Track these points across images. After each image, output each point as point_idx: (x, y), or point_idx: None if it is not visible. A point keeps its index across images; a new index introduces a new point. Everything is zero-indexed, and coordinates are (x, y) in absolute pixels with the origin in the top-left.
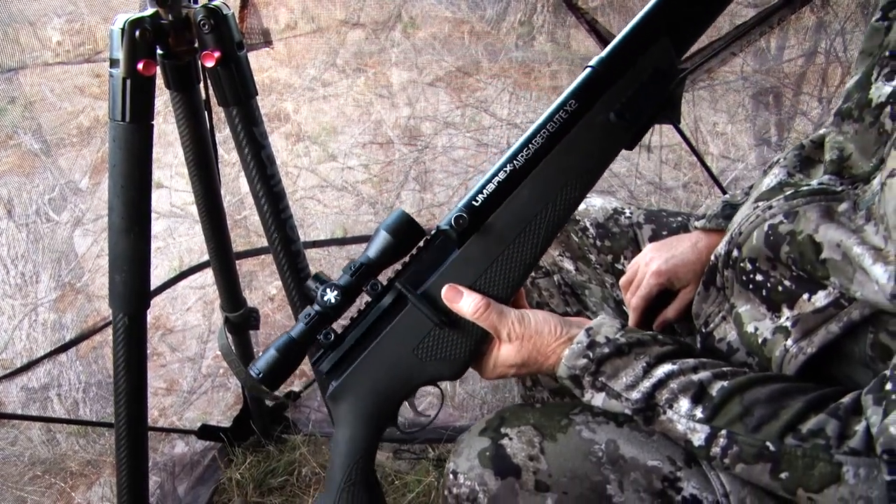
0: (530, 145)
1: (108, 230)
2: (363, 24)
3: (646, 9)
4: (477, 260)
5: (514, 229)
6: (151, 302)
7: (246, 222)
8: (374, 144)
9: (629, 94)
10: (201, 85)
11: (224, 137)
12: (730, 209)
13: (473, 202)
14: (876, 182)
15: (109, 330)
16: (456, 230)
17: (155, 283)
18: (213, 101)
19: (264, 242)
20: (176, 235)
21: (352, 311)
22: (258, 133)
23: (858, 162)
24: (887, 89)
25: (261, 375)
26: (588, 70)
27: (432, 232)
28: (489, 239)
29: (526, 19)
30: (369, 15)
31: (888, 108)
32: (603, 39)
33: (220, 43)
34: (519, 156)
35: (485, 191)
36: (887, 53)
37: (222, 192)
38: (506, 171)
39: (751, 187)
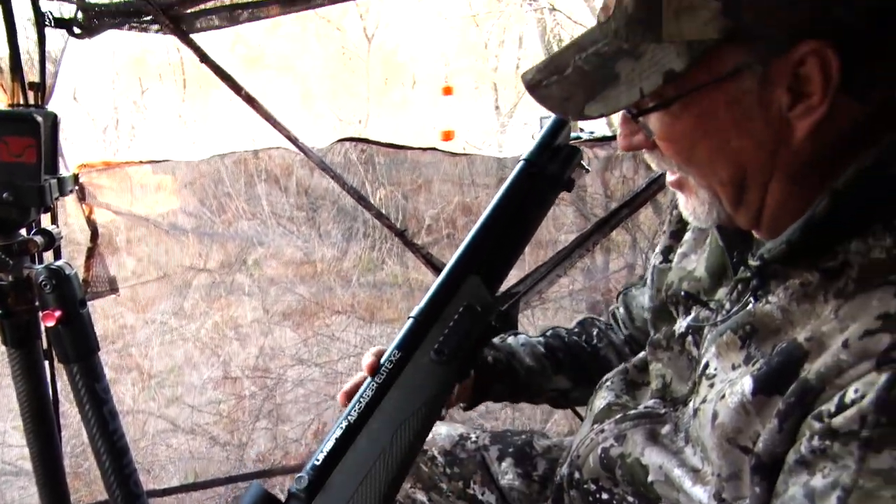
0: (362, 399)
1: None
2: (209, 270)
3: (455, 255)
4: None
5: (354, 480)
6: None
7: (88, 474)
8: (226, 381)
9: (445, 333)
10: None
11: (66, 384)
12: None
13: (315, 461)
14: (691, 406)
15: None
16: (302, 491)
17: None
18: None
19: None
20: (8, 494)
21: None
22: (100, 388)
23: (677, 386)
24: (683, 322)
25: None
26: (409, 321)
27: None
28: (332, 494)
29: (375, 245)
30: (215, 259)
31: (690, 338)
32: (438, 270)
33: (62, 302)
34: (353, 411)
35: (324, 449)
36: (683, 293)
37: (64, 437)
38: (342, 428)
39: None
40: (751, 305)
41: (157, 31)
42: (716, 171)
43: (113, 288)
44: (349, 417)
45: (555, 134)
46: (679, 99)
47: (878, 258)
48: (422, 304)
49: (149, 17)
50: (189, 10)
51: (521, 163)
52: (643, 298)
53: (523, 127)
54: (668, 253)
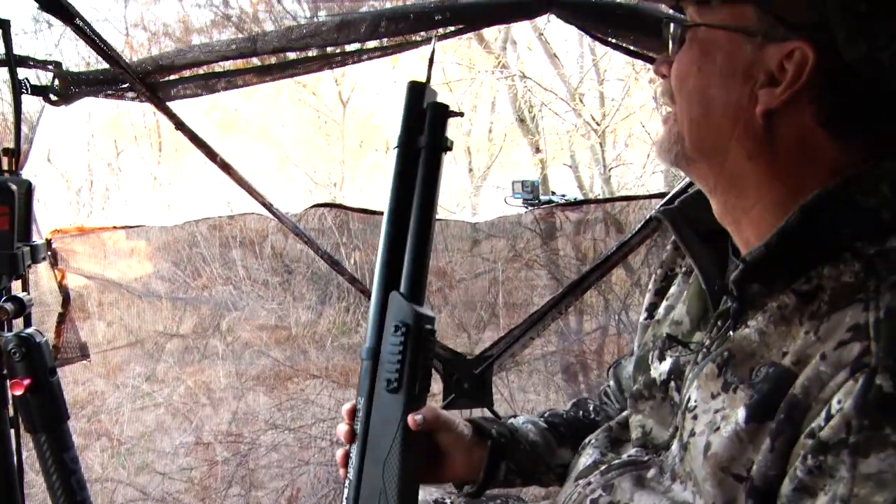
0: (352, 458)
1: None
2: (182, 334)
3: (374, 280)
4: None
5: None
6: None
7: None
8: (198, 447)
9: (387, 362)
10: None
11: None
12: None
13: None
14: (675, 447)
15: None
16: None
17: None
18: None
19: None
20: None
21: None
22: (68, 458)
23: (658, 433)
24: (664, 367)
25: None
26: (363, 363)
27: None
28: None
29: (349, 308)
30: (189, 323)
31: (672, 384)
32: None
33: (31, 370)
34: (350, 470)
35: None
36: (665, 335)
37: None
38: (347, 487)
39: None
40: (730, 334)
41: (133, 99)
42: (692, 105)
43: (84, 354)
44: (349, 479)
45: (414, 102)
46: (699, 26)
47: (848, 282)
48: (366, 342)
49: (125, 85)
50: (165, 79)
51: (396, 150)
52: (631, 367)
53: (496, 190)
54: (652, 310)
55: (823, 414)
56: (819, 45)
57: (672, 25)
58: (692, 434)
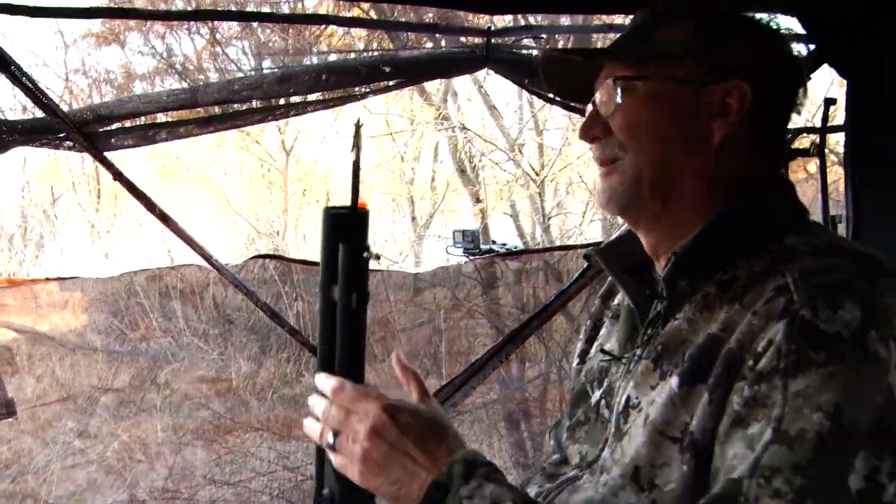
0: None
1: None
2: (117, 388)
3: None
4: None
5: None
6: None
7: None
8: None
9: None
10: None
11: None
12: None
13: None
14: (605, 452)
15: None
16: None
17: None
18: None
19: None
20: None
21: None
22: None
23: (592, 453)
24: (598, 392)
25: None
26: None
27: None
28: None
29: (291, 358)
30: (124, 377)
31: (602, 401)
32: None
33: None
34: None
35: None
36: (600, 352)
37: None
38: None
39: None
40: (661, 331)
41: (70, 149)
42: (651, 145)
43: (10, 411)
44: None
45: (332, 239)
46: (643, 79)
47: (758, 270)
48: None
49: (62, 134)
50: (104, 129)
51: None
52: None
53: (438, 240)
54: (584, 356)
55: (755, 358)
56: (751, 81)
57: (614, 84)
58: (635, 421)
